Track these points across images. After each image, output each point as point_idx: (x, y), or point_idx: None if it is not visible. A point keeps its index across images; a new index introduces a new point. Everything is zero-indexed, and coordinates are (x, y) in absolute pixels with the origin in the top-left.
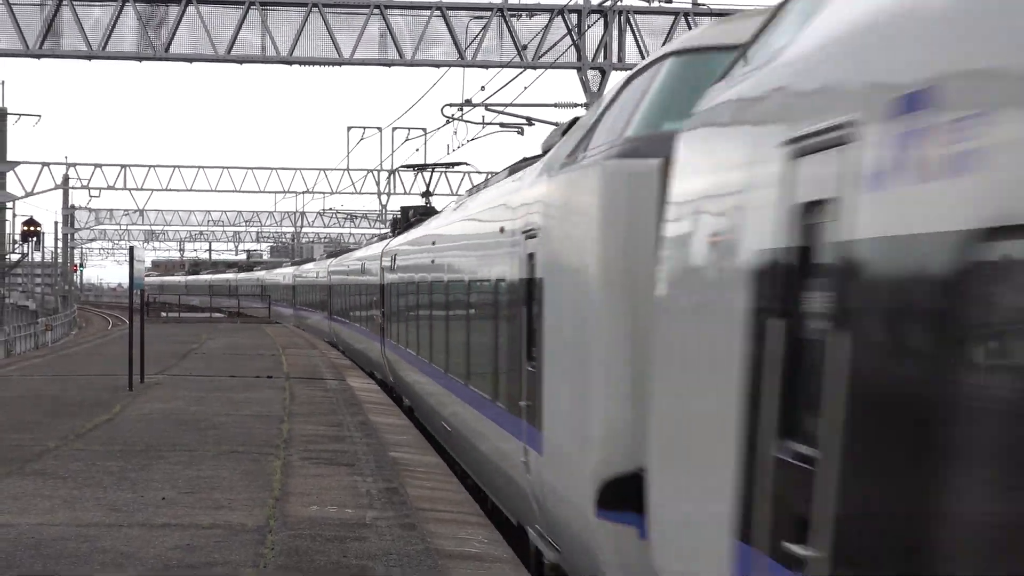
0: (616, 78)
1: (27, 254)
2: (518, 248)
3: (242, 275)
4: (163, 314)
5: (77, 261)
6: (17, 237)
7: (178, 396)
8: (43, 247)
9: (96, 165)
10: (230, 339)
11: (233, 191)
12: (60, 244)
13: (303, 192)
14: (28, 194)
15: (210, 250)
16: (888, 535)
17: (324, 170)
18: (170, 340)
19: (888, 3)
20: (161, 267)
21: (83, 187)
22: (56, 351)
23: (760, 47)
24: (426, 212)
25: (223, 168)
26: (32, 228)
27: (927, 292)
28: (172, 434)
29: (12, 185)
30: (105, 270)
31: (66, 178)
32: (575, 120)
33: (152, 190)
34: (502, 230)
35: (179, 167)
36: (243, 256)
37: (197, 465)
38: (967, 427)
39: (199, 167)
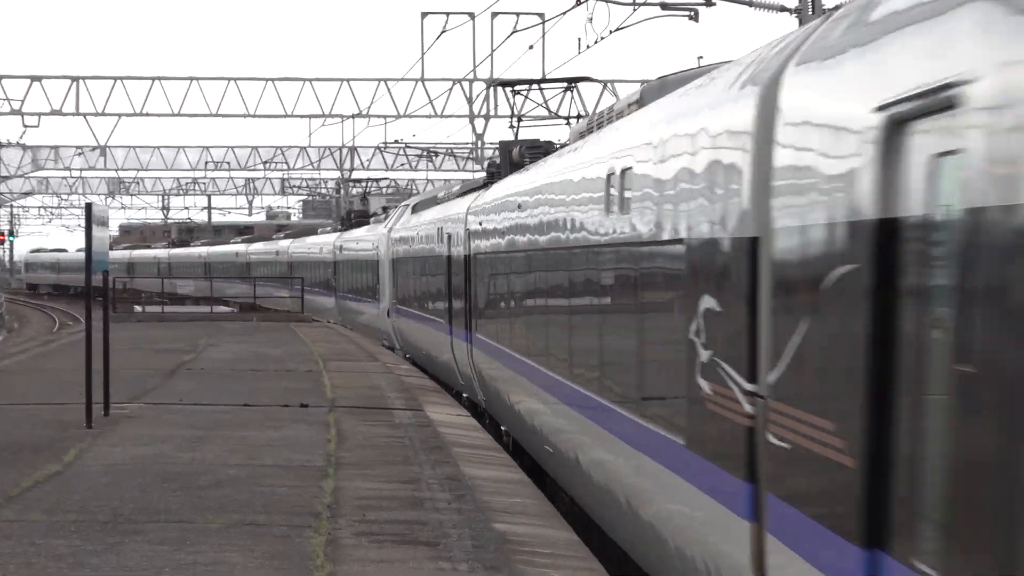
0: None
1: None
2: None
3: (257, 246)
4: (138, 307)
5: (3, 227)
6: None
7: (163, 436)
8: None
9: (33, 78)
10: (242, 346)
11: (244, 115)
12: None
13: (353, 116)
14: None
15: (209, 208)
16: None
17: (384, 81)
18: (150, 348)
19: None
20: (135, 235)
21: (12, 112)
22: None
23: None
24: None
25: (228, 80)
26: None
27: None
28: (154, 496)
29: None
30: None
31: None
32: None
33: (120, 115)
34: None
35: (161, 79)
36: (260, 217)
37: (193, 546)
38: None
39: (191, 79)
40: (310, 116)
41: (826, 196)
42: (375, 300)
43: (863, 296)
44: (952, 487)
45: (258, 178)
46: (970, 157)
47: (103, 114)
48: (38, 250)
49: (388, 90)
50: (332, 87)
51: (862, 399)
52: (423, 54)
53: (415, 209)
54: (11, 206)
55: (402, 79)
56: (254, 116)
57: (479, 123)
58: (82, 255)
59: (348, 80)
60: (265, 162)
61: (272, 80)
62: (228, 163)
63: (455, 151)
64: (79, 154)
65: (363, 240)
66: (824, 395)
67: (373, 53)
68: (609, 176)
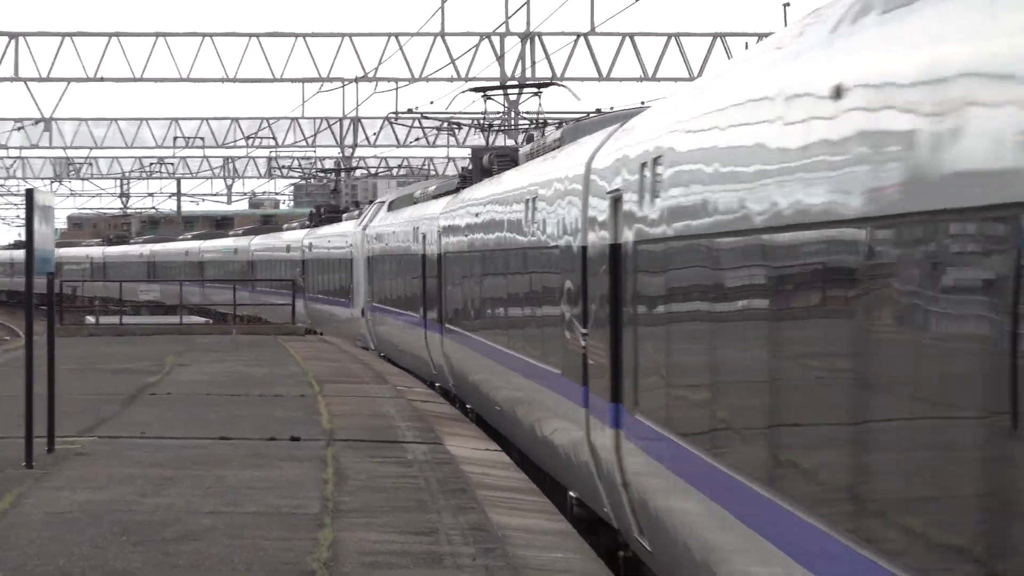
0: None
1: None
2: None
3: (212, 244)
4: (89, 318)
5: None
6: None
7: (121, 477)
8: None
9: None
10: (219, 365)
11: (222, 80)
12: None
13: (356, 79)
14: None
15: (179, 194)
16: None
17: (395, 36)
18: (105, 368)
19: None
20: (87, 228)
21: None
22: None
23: None
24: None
25: (202, 36)
26: None
27: None
28: (110, 552)
29: None
30: None
31: None
32: None
33: (69, 80)
34: None
35: (119, 35)
36: (242, 205)
37: None
38: None
39: (156, 35)
40: (303, 80)
41: (603, 228)
42: (348, 299)
43: (609, 279)
44: (638, 370)
45: (239, 157)
46: (623, 218)
47: (48, 79)
48: None
49: (400, 47)
50: (331, 44)
51: (608, 331)
52: (443, 3)
53: (391, 207)
54: None
55: (417, 34)
56: (234, 80)
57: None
58: (13, 253)
59: (350, 35)
60: (247, 137)
61: (256, 36)
62: (202, 139)
63: (483, 122)
64: (18, 129)
65: (336, 237)
66: (598, 328)
67: (381, 3)
68: (527, 200)
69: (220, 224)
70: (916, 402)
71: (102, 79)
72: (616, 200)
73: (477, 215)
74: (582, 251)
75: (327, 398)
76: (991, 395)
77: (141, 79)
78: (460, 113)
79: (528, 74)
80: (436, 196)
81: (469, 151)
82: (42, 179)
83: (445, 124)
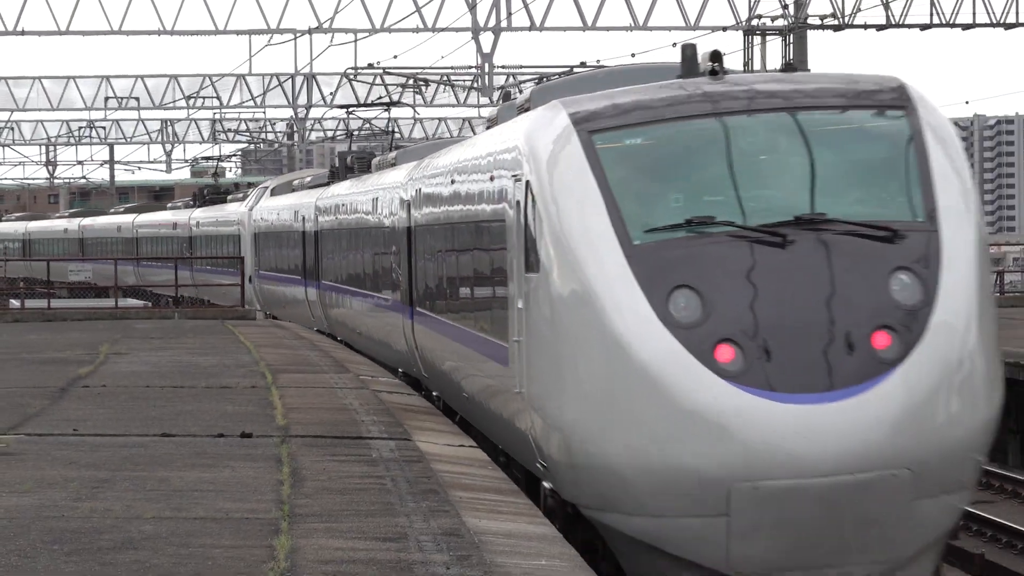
0: None
1: None
2: None
3: (92, 221)
4: (13, 302)
5: None
6: None
7: (50, 479)
8: None
9: None
10: (160, 354)
11: (158, 32)
12: None
13: (309, 31)
14: None
15: (112, 162)
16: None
17: None
18: (32, 359)
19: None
20: (10, 201)
21: None
22: None
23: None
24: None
25: None
26: None
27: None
28: (40, 562)
29: None
30: None
31: None
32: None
33: None
34: None
35: None
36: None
37: None
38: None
39: None
40: (250, 32)
41: (404, 218)
42: (236, 269)
43: (407, 244)
44: (415, 287)
45: (179, 120)
46: (411, 213)
47: None
48: None
49: None
50: None
51: (407, 271)
52: None
53: (273, 192)
54: None
55: None
56: (171, 33)
57: (486, 39)
58: None
59: None
60: (188, 97)
61: None
62: (137, 99)
63: (453, 78)
64: None
65: (224, 217)
66: (402, 269)
67: None
68: (373, 198)
69: (159, 196)
70: (461, 285)
71: (23, 32)
72: (408, 204)
73: (342, 204)
74: (398, 230)
75: (282, 389)
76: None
77: (67, 32)
78: (427, 68)
79: (504, 23)
80: (312, 187)
81: (448, 108)
82: None
83: (410, 80)
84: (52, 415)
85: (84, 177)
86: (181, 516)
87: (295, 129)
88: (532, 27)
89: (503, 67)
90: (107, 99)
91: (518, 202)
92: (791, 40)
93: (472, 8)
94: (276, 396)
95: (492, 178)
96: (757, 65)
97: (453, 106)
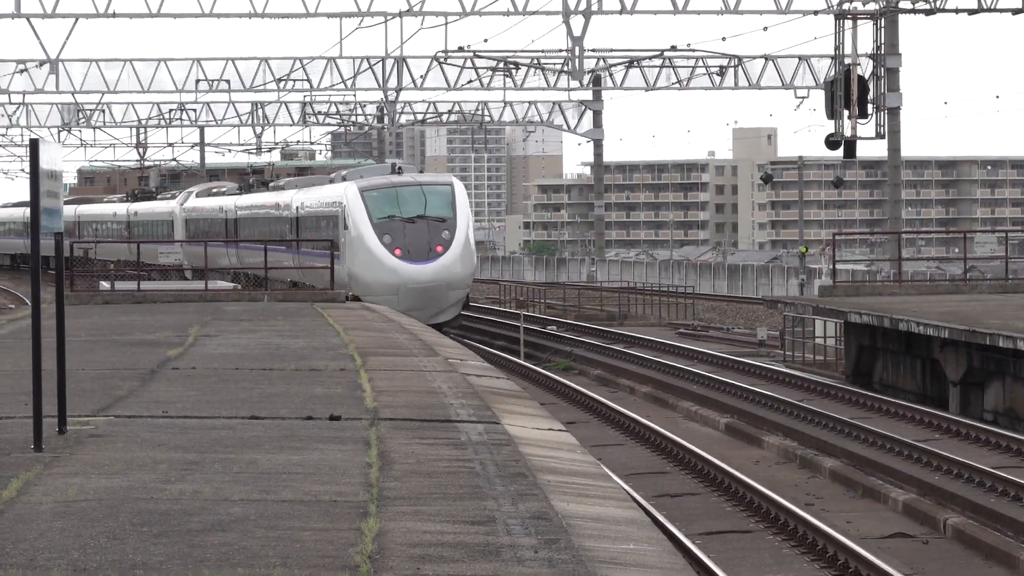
0: None
1: None
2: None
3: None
4: (104, 284)
5: None
6: None
7: (140, 461)
8: None
9: None
10: (250, 336)
11: (249, 15)
12: None
13: (400, 14)
14: None
15: (202, 144)
16: None
17: None
18: (122, 340)
19: None
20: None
21: None
22: None
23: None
24: (262, 181)
25: None
26: None
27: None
28: (128, 544)
29: None
30: None
31: None
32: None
33: (77, 16)
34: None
35: None
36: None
37: None
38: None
39: None
40: (341, 15)
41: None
42: (170, 244)
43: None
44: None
45: (270, 102)
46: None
47: (53, 15)
48: None
49: None
50: None
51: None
52: None
53: (198, 195)
54: None
55: None
56: (262, 16)
57: (576, 22)
58: (9, 211)
59: None
60: (279, 80)
61: None
62: (228, 82)
63: (543, 62)
64: (21, 71)
65: (159, 210)
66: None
67: None
68: (275, 205)
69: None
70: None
71: (114, 15)
72: (237, 213)
73: (248, 205)
74: (224, 222)
75: (371, 372)
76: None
77: (158, 15)
78: (517, 52)
79: (594, 7)
80: (229, 193)
81: (538, 91)
82: (48, 128)
83: (501, 64)
84: (142, 397)
85: (174, 159)
86: (269, 499)
87: (385, 112)
88: (623, 11)
89: (593, 50)
90: (198, 82)
91: (342, 207)
92: (882, 24)
93: None
94: (365, 379)
95: (333, 202)
96: (848, 49)
97: (543, 89)
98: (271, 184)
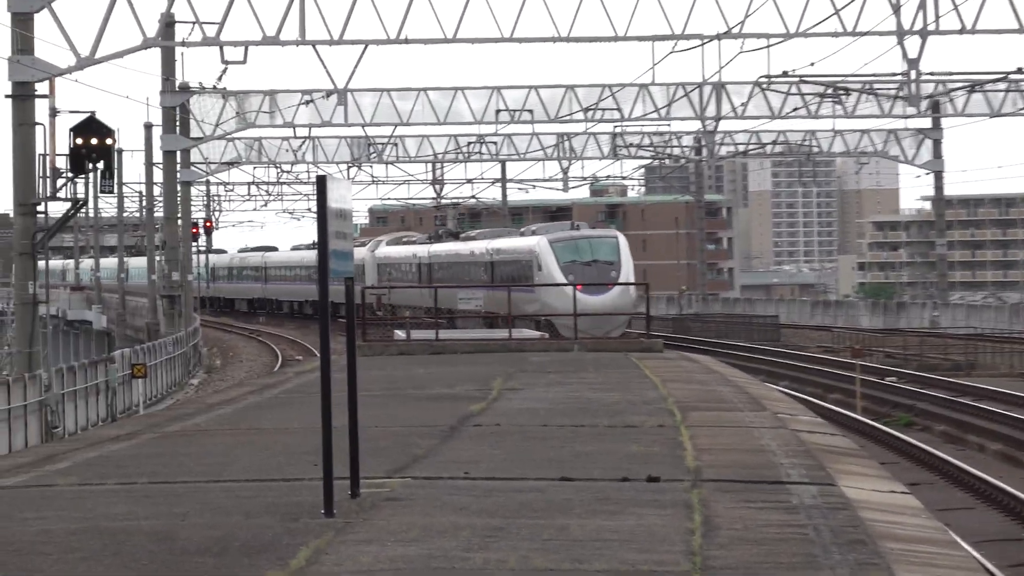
0: None
1: (79, 204)
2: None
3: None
4: (399, 333)
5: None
6: (60, 163)
7: (440, 527)
8: (118, 183)
9: None
10: (557, 389)
11: (554, 39)
12: (151, 174)
13: (718, 36)
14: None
15: (503, 180)
16: None
17: None
18: (418, 395)
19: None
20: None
21: (205, 40)
22: (158, 424)
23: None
24: (452, 234)
25: None
26: (96, 141)
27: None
28: None
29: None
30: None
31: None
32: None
33: (366, 42)
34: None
35: None
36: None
37: None
38: None
39: None
40: (653, 38)
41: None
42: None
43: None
44: None
45: (577, 134)
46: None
47: (340, 42)
48: (243, 249)
49: None
50: None
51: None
52: None
53: (388, 243)
54: (207, 182)
55: None
56: (568, 40)
57: (912, 43)
58: (295, 255)
59: None
60: (586, 109)
61: None
62: (531, 112)
63: (876, 86)
64: (306, 103)
65: (461, 251)
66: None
67: None
68: (465, 251)
69: (555, 216)
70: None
71: (407, 40)
72: (430, 258)
73: (443, 252)
74: (418, 267)
75: (692, 428)
76: None
77: (455, 39)
78: (848, 76)
79: (931, 27)
80: (421, 243)
81: (869, 119)
82: (336, 163)
83: (829, 89)
84: (441, 456)
85: (474, 196)
86: (582, 568)
87: (703, 143)
88: (963, 30)
89: (931, 74)
90: (498, 112)
91: (535, 255)
92: None
93: (896, 10)
94: (686, 436)
95: (527, 249)
96: None
97: (876, 117)
98: (460, 235)
